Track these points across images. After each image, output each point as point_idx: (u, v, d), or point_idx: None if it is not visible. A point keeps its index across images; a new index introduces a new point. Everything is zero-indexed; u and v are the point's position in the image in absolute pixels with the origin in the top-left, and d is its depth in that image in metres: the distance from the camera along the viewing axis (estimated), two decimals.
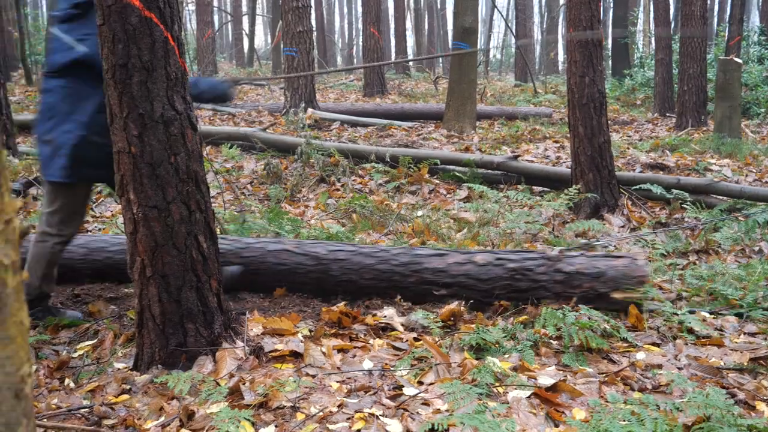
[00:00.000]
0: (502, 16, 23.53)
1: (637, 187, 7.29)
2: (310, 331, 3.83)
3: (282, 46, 13.67)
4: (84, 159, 3.90)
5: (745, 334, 3.98)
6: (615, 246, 5.95)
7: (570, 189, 6.58)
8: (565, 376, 3.38)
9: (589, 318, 3.88)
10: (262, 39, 47.20)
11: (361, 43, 21.48)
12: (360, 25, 21.86)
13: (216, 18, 33.38)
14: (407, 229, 6.25)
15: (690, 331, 3.95)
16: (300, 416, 2.94)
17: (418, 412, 2.98)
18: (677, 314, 4.09)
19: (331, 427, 2.86)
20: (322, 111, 12.76)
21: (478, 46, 13.18)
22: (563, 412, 3.01)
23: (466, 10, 11.68)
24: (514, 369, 3.41)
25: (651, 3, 18.71)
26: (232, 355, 3.44)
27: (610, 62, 20.92)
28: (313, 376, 3.32)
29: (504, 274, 4.26)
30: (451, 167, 8.37)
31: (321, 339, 3.71)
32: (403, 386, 3.23)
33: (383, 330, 3.97)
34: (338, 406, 3.02)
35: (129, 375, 3.37)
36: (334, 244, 4.58)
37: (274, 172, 8.34)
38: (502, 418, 2.80)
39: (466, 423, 2.67)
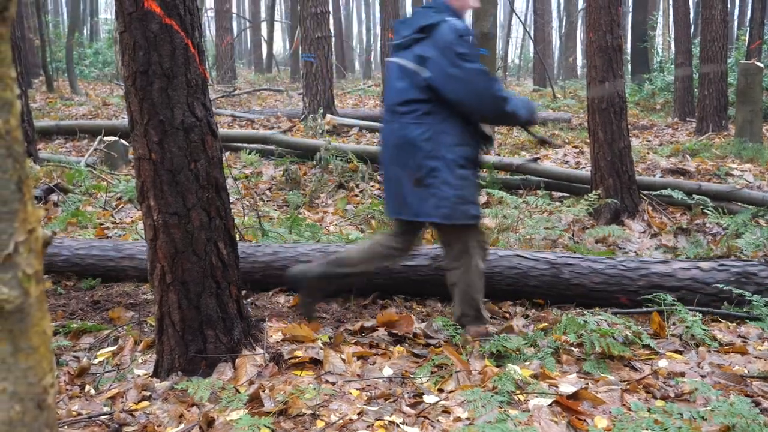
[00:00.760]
0: (520, 20, 23.46)
1: (658, 192, 7.23)
2: (330, 338, 3.82)
3: (300, 52, 13.70)
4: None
5: None
6: (636, 252, 5.91)
7: (590, 194, 6.54)
8: (587, 383, 3.35)
9: (610, 325, 3.85)
10: (280, 45, 47.38)
11: (379, 49, 21.46)
12: (378, 31, 21.87)
13: (235, 24, 33.53)
14: (427, 236, 6.23)
15: (713, 338, 3.91)
16: (320, 424, 2.93)
17: (438, 420, 2.96)
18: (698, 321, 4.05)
19: None
20: (340, 117, 12.76)
21: (497, 52, 13.13)
22: (585, 421, 2.98)
23: (484, 15, 11.65)
24: (535, 376, 3.39)
25: (670, 7, 18.63)
26: (251, 361, 3.44)
27: (629, 66, 20.82)
28: (333, 384, 3.31)
29: (730, 278, 4.37)
30: None
31: (340, 346, 3.70)
32: (423, 394, 3.22)
33: None
34: (358, 414, 3.01)
35: (149, 381, 3.37)
36: (564, 253, 4.76)
37: (292, 178, 8.35)
38: (523, 426, 2.77)
39: (487, 431, 2.65)
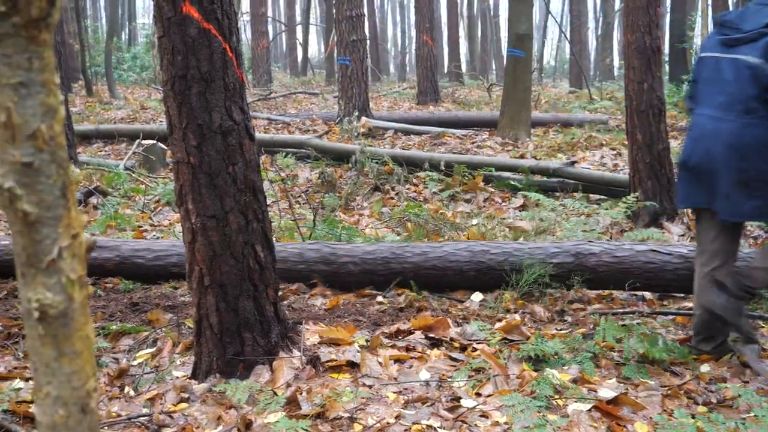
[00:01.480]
0: (556, 22, 23.30)
1: None
2: (367, 341, 3.82)
3: (335, 55, 13.73)
4: None
5: None
6: None
7: (628, 197, 6.46)
8: (627, 388, 3.31)
9: (650, 330, 3.80)
10: (315, 48, 47.60)
11: (414, 51, 21.45)
12: (413, 33, 21.83)
13: (270, 28, 33.74)
14: (462, 238, 6.20)
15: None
16: (357, 427, 2.93)
17: (476, 425, 2.95)
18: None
19: None
20: (375, 119, 12.77)
21: (533, 53, 13.06)
22: (625, 426, 2.95)
23: (520, 16, 11.60)
24: (574, 381, 3.36)
25: (709, 7, 18.40)
26: (288, 364, 3.44)
27: (667, 67, 20.57)
28: (370, 387, 3.31)
29: None
30: (506, 175, 8.30)
31: (377, 349, 3.70)
32: (460, 398, 3.20)
33: None
34: (395, 418, 3.00)
35: (187, 383, 3.39)
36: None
37: (328, 181, 8.37)
38: (562, 431, 2.75)
39: None
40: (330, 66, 27.19)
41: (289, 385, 3.29)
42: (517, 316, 4.31)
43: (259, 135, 10.77)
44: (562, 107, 16.99)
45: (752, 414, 2.94)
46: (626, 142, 7.14)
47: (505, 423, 2.92)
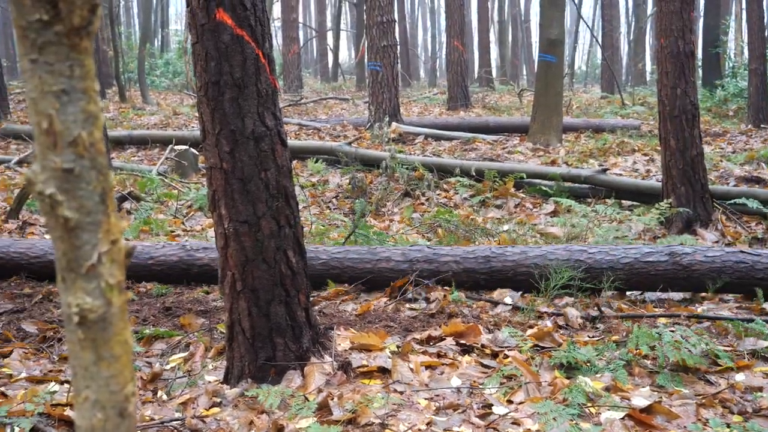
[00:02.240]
0: (588, 26, 23.17)
1: (732, 201, 7.04)
2: (398, 347, 3.81)
3: (366, 60, 13.75)
4: None
5: None
6: None
7: (661, 203, 6.41)
8: (660, 397, 3.28)
9: (683, 337, 3.76)
10: (346, 54, 47.73)
11: (444, 56, 21.43)
12: (443, 39, 21.82)
13: (301, 34, 33.89)
14: (493, 244, 6.18)
15: None
16: None
17: None
18: None
19: None
20: (406, 125, 12.78)
21: (564, 58, 12.99)
22: None
23: (552, 21, 11.55)
24: (607, 389, 3.33)
25: (743, 11, 18.18)
26: (320, 370, 3.45)
27: (700, 72, 20.36)
28: (401, 393, 3.30)
29: None
30: (537, 181, 8.27)
31: (408, 355, 3.69)
32: (492, 405, 3.18)
33: None
34: (427, 424, 2.99)
35: (219, 388, 3.41)
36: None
37: (359, 186, 8.38)
38: None
39: None
40: (360, 71, 27.26)
41: (320, 391, 3.30)
42: (549, 323, 4.28)
43: (290, 141, 10.82)
44: (594, 112, 16.88)
45: None
46: (659, 148, 7.08)
47: (537, 431, 2.90)
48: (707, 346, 3.68)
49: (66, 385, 3.41)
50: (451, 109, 18.08)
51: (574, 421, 2.92)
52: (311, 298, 3.72)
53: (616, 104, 18.62)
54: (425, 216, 7.25)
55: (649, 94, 21.20)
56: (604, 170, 8.09)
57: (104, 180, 1.00)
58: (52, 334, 4.17)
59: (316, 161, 9.75)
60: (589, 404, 3.13)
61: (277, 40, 28.33)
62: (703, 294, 4.83)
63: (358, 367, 3.53)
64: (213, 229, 6.32)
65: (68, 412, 3.13)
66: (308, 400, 3.16)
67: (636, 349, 3.69)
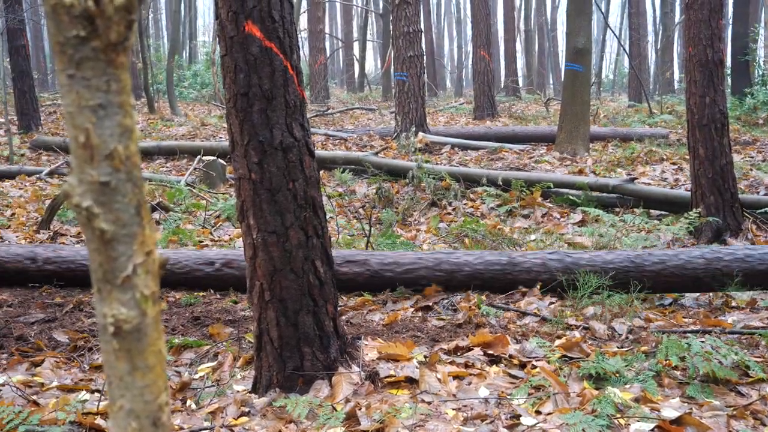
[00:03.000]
0: (615, 35, 23.08)
1: (762, 210, 6.98)
2: (425, 357, 3.81)
3: (392, 70, 13.78)
4: None
5: None
6: None
7: (690, 212, 6.36)
8: (691, 408, 3.25)
9: (714, 348, 3.72)
10: (372, 64, 47.86)
11: (470, 66, 21.44)
12: (469, 48, 21.82)
13: (328, 44, 34.06)
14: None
15: None
16: None
17: None
18: None
19: None
20: (432, 135, 12.79)
21: (591, 67, 12.93)
22: None
23: (578, 30, 11.52)
24: (636, 400, 3.30)
25: None
26: (348, 379, 3.46)
27: (729, 80, 20.18)
28: (429, 403, 3.30)
29: None
30: (565, 191, 8.24)
31: (436, 365, 3.69)
32: (520, 415, 3.17)
33: None
34: None
35: (248, 397, 3.43)
36: None
37: (385, 196, 8.40)
38: None
39: None
40: (387, 81, 27.32)
41: (348, 401, 3.31)
42: (577, 333, 4.26)
43: (317, 151, 10.87)
44: (621, 121, 16.79)
45: None
46: (687, 157, 7.02)
47: None
48: (738, 356, 3.64)
49: (97, 394, 3.44)
50: (477, 118, 18.06)
51: None
52: (338, 308, 3.73)
53: (644, 113, 18.50)
54: (452, 226, 7.25)
55: (677, 102, 21.05)
56: (632, 179, 8.04)
57: (139, 193, 1.01)
58: (82, 343, 4.22)
59: (343, 171, 9.78)
60: (619, 415, 3.11)
61: (304, 51, 28.48)
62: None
63: (386, 377, 3.53)
64: (241, 238, 6.37)
65: (99, 420, 3.16)
66: (336, 410, 3.17)
67: (665, 360, 3.67)
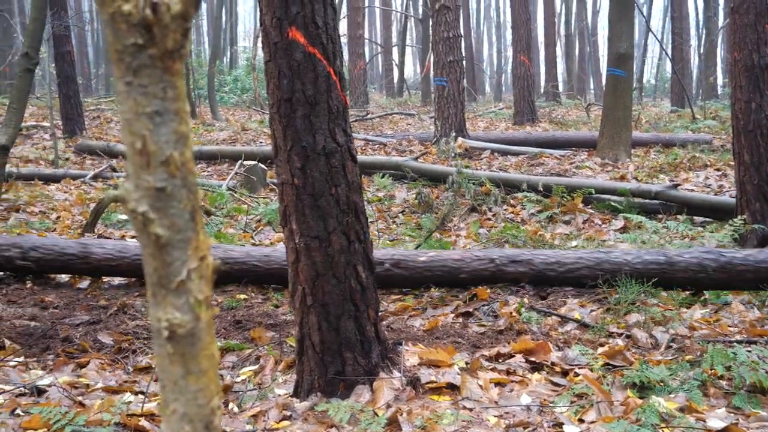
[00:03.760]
0: (657, 40, 22.82)
1: None
2: (467, 363, 3.80)
3: (432, 75, 13.77)
4: None
5: None
6: None
7: (735, 219, 6.27)
8: (737, 419, 3.20)
9: (760, 357, 3.66)
10: (411, 69, 47.87)
11: (510, 71, 21.35)
12: (509, 53, 21.74)
13: (367, 49, 34.14)
14: None
15: None
16: None
17: None
18: None
19: None
20: (472, 140, 12.75)
21: (633, 72, 12.79)
22: None
23: (621, 35, 11.41)
24: (681, 410, 3.26)
25: None
26: (389, 385, 3.46)
27: None
28: (471, 410, 3.29)
29: None
30: (606, 197, 8.16)
31: (477, 372, 3.67)
32: (563, 423, 3.15)
33: None
34: None
35: (289, 401, 3.45)
36: None
37: (425, 201, 8.39)
38: None
39: None
40: (426, 87, 27.31)
41: (389, 406, 3.31)
42: (620, 341, 4.22)
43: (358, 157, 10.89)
44: (664, 127, 16.59)
45: None
46: (732, 163, 6.92)
47: None
48: None
49: (141, 396, 3.48)
50: (517, 123, 17.97)
51: None
52: (379, 313, 3.74)
53: (687, 118, 18.26)
54: (492, 231, 7.22)
55: (721, 108, 20.75)
56: (675, 186, 7.94)
57: (194, 198, 1.02)
58: (126, 345, 4.27)
59: (383, 176, 9.79)
60: (663, 425, 3.07)
61: (343, 56, 28.60)
62: None
63: (427, 383, 3.53)
64: (282, 243, 6.40)
65: (143, 422, 3.20)
66: (377, 416, 3.17)
67: (711, 370, 3.61)
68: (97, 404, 3.36)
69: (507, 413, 3.28)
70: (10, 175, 9.26)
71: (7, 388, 3.55)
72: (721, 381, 3.61)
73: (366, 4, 28.68)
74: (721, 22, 28.52)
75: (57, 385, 3.57)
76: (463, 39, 14.09)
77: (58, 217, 7.96)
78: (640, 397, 3.38)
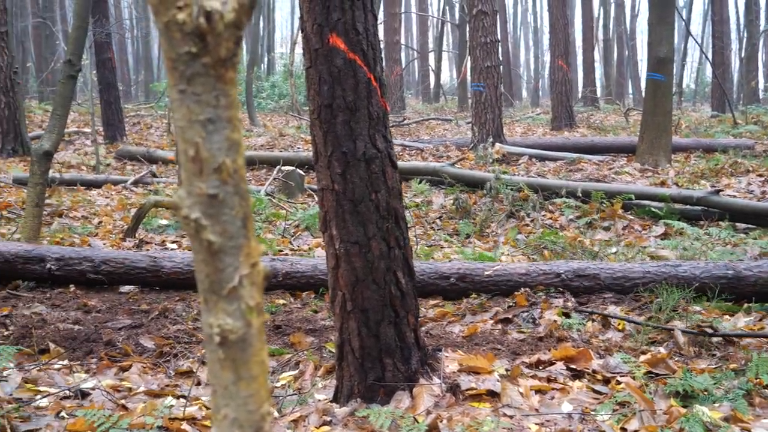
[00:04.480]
0: (697, 44, 22.58)
1: None
2: (507, 370, 3.78)
3: (469, 81, 13.74)
4: None
5: None
6: None
7: None
8: None
9: None
10: (447, 74, 47.83)
11: (547, 76, 21.24)
12: (547, 58, 21.64)
13: (403, 55, 34.18)
14: None
15: None
16: None
17: None
18: None
19: None
20: (509, 145, 12.70)
21: (673, 76, 12.66)
22: None
23: (660, 39, 11.30)
24: (726, 419, 3.21)
25: None
26: (428, 391, 3.45)
27: None
28: (511, 417, 3.27)
29: None
30: (646, 202, 8.07)
31: (518, 379, 3.65)
32: (605, 431, 3.12)
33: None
34: None
35: (329, 407, 3.45)
36: None
37: (462, 207, 8.37)
38: None
39: None
40: (462, 92, 27.28)
41: (429, 413, 3.30)
42: (663, 349, 4.16)
43: None
44: (704, 132, 16.39)
45: None
46: None
47: None
48: None
49: (182, 400, 3.51)
50: (555, 129, 17.88)
51: None
52: (418, 319, 3.73)
53: (728, 123, 18.02)
54: (530, 237, 7.18)
55: (763, 112, 20.46)
56: (717, 191, 7.83)
57: (246, 205, 1.03)
58: (168, 349, 4.31)
59: (420, 182, 9.79)
60: None
61: (383, 62, 28.65)
62: None
63: (467, 390, 3.51)
64: (320, 248, 6.42)
65: (185, 426, 3.22)
66: (418, 422, 3.16)
67: (756, 378, 3.55)
68: (140, 408, 3.40)
69: (548, 421, 3.25)
70: (53, 180, 9.40)
71: (52, 390, 3.60)
72: (766, 390, 3.55)
73: (403, 10, 28.73)
74: (762, 25, 28.12)
75: (100, 388, 3.62)
76: (500, 44, 14.04)
77: (100, 222, 8.07)
78: (684, 406, 3.33)
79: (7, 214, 8.22)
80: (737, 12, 36.57)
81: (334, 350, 3.73)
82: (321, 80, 3.38)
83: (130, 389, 3.72)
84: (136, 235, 7.21)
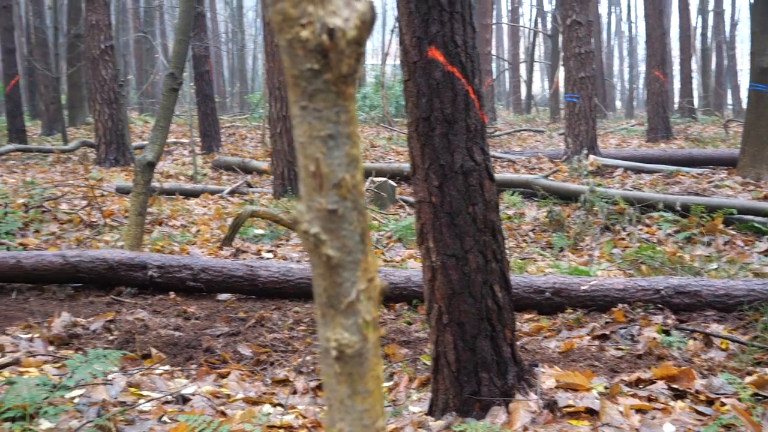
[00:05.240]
0: None
1: None
2: (606, 387, 3.69)
3: (561, 91, 13.56)
4: None
5: None
6: None
7: None
8: None
9: None
10: (539, 85, 47.34)
11: (642, 86, 20.81)
12: (641, 68, 21.19)
13: (494, 66, 34.02)
14: None
15: None
16: None
17: None
18: None
19: None
20: (603, 157, 12.47)
21: None
22: None
23: (764, 49, 10.91)
24: None
25: None
26: (525, 407, 3.40)
27: None
28: None
29: None
30: (749, 217, 7.79)
31: (617, 397, 3.57)
32: None
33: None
34: None
35: (424, 419, 3.44)
36: None
37: (556, 220, 8.25)
38: None
39: None
40: (554, 103, 26.96)
41: (525, 429, 3.25)
42: None
43: None
44: None
45: None
46: None
47: None
48: None
49: (279, 408, 3.56)
50: (650, 140, 17.48)
51: None
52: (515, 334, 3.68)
53: None
54: (626, 252, 7.02)
55: None
56: None
57: (364, 220, 1.04)
58: (265, 357, 4.38)
59: (512, 194, 9.70)
60: None
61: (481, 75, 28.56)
62: None
63: (565, 407, 3.45)
64: (412, 259, 6.43)
65: None
66: None
67: None
68: (239, 414, 3.46)
69: None
70: (153, 189, 9.70)
71: (155, 395, 3.70)
72: None
73: (494, 21, 28.62)
74: None
75: (201, 394, 3.70)
76: (594, 54, 13.82)
77: (198, 231, 8.27)
78: None
79: (110, 222, 8.52)
80: None
81: (428, 362, 3.72)
82: (419, 93, 3.39)
83: (228, 396, 3.79)
84: (233, 244, 7.36)
